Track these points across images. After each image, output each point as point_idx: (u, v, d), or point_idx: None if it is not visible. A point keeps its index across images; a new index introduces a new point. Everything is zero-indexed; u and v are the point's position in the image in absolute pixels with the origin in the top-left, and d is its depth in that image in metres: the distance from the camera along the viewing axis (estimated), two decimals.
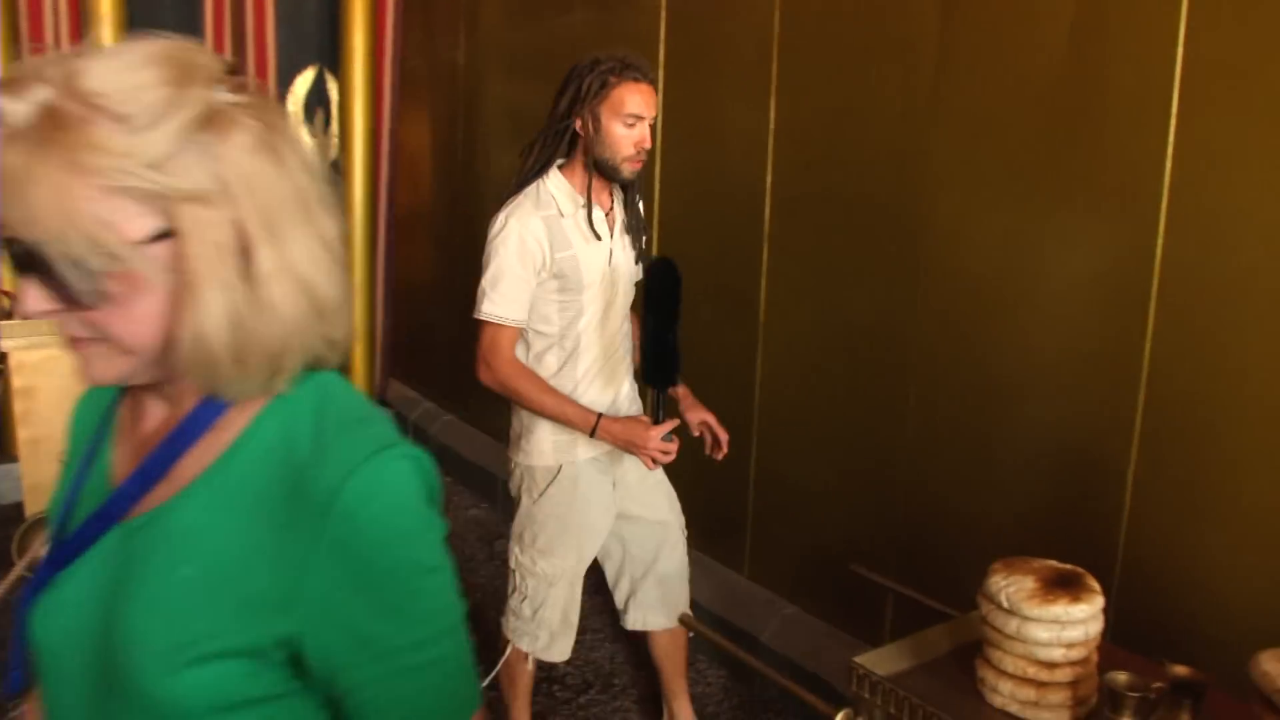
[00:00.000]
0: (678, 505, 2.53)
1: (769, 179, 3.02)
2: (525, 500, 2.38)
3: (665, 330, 2.18)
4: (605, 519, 2.40)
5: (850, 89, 2.75)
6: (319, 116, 5.30)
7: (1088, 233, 2.21)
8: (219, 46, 4.93)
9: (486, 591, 3.63)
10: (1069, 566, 1.69)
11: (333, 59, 5.17)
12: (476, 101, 4.81)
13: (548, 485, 2.32)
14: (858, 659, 1.73)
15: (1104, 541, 2.17)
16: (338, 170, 5.19)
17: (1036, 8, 2.26)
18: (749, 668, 2.12)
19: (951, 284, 2.50)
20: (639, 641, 3.26)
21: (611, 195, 2.31)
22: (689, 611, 2.55)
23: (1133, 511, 2.13)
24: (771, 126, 2.99)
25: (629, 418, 2.28)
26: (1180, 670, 1.55)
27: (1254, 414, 1.93)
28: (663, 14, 3.42)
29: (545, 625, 2.39)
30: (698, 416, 2.38)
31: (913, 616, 2.13)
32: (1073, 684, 1.60)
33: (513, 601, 2.42)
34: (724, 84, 3.21)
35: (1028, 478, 2.35)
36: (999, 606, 1.63)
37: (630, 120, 2.13)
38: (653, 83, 2.18)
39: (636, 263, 2.34)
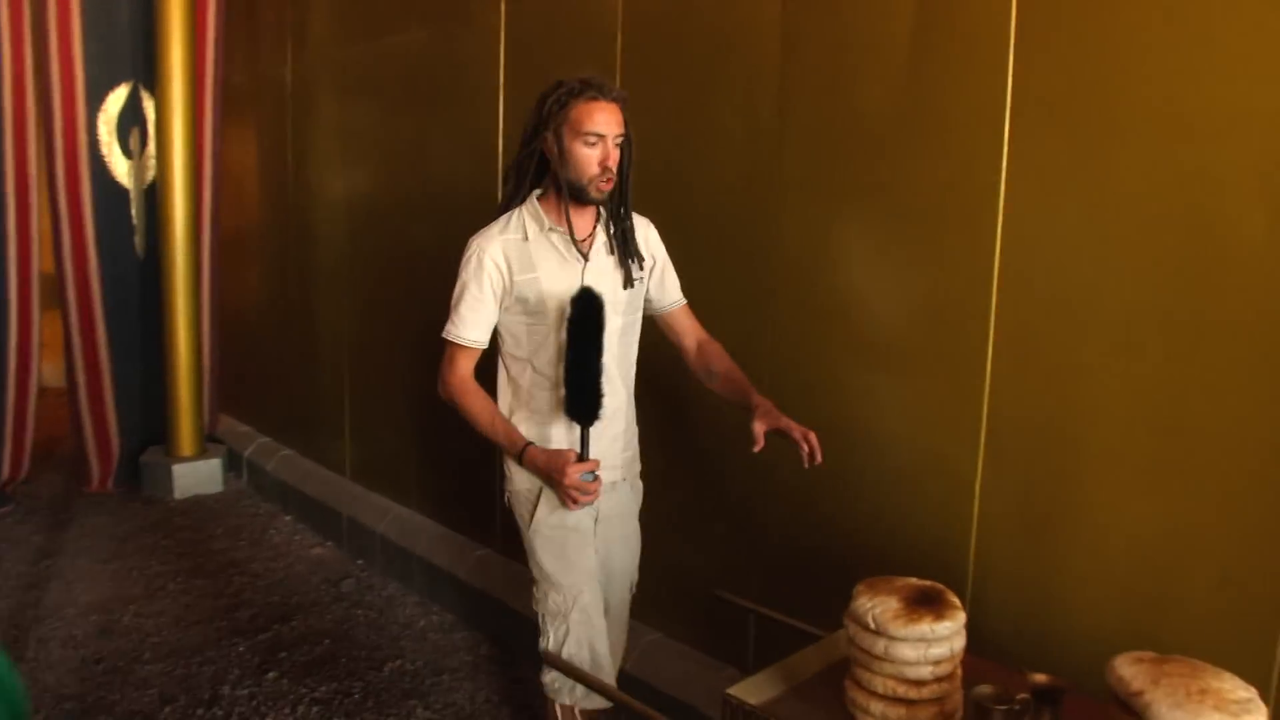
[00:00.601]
0: (637, 563, 2.43)
1: None
2: (523, 532, 2.29)
3: (585, 362, 2.08)
4: (591, 541, 2.29)
5: (695, 114, 2.76)
6: (135, 136, 4.97)
7: (930, 254, 2.28)
8: (18, 62, 4.55)
9: (335, 636, 3.46)
10: (929, 583, 1.72)
11: (148, 75, 4.86)
12: (306, 121, 4.62)
13: (534, 510, 2.24)
14: (730, 691, 1.71)
15: (956, 553, 2.24)
16: (155, 193, 4.88)
17: (875, 38, 2.33)
18: (613, 697, 2.07)
19: (801, 305, 2.54)
20: (501, 680, 3.17)
21: (596, 220, 2.23)
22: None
23: (981, 522, 2.21)
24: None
25: (556, 450, 2.17)
26: (1039, 678, 1.60)
27: (1092, 424, 2.02)
28: (501, 36, 3.37)
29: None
30: (764, 425, 2.14)
31: (777, 638, 2.14)
32: (940, 700, 1.62)
33: (541, 649, 2.27)
34: None
35: (881, 494, 2.40)
36: (865, 628, 1.64)
37: (591, 139, 2.07)
38: (617, 100, 2.11)
39: (627, 287, 2.23)
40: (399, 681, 3.14)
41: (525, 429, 2.23)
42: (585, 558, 2.26)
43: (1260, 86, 1.76)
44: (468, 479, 3.77)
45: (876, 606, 1.64)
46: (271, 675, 3.16)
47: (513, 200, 2.22)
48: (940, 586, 1.72)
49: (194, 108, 4.83)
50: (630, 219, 2.25)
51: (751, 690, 1.74)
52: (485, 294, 2.17)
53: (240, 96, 5.13)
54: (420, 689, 3.10)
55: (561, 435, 2.22)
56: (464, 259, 2.19)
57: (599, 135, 2.08)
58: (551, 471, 2.13)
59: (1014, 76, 2.07)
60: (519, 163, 2.20)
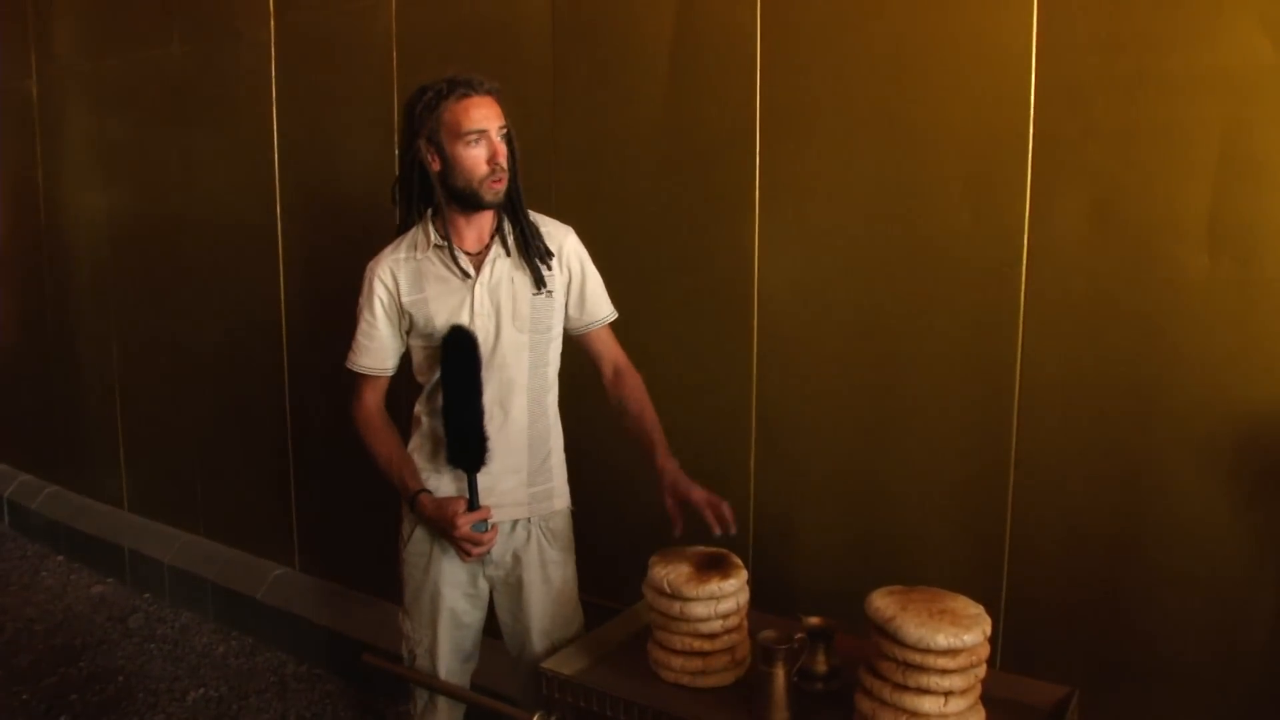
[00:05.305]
0: (568, 623, 2.15)
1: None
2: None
3: (462, 406, 1.97)
4: (459, 594, 2.14)
5: None
6: None
7: (697, 254, 2.49)
8: None
9: (129, 673, 3.33)
10: (715, 550, 1.92)
11: None
12: (57, 136, 4.37)
13: (408, 539, 2.15)
14: (544, 664, 1.85)
15: (742, 523, 2.46)
16: None
17: (639, 59, 2.52)
18: (444, 693, 2.16)
19: None
20: (311, 695, 3.16)
21: (493, 232, 2.05)
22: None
23: (757, 497, 2.46)
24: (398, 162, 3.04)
25: (446, 498, 2.03)
26: (814, 620, 1.83)
27: (835, 399, 2.31)
28: (272, 51, 3.35)
29: (419, 692, 2.20)
30: (674, 500, 2.00)
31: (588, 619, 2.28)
32: (731, 649, 1.83)
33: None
34: (345, 119, 3.21)
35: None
36: (662, 593, 1.82)
37: (473, 137, 1.93)
38: (491, 93, 1.97)
39: (538, 292, 2.04)
40: (204, 709, 3.08)
41: (427, 463, 2.10)
42: (434, 612, 2.14)
43: (965, 106, 2.08)
44: (260, 498, 3.71)
45: (671, 572, 1.83)
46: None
47: (407, 220, 2.09)
48: (725, 552, 1.92)
49: None
50: (527, 216, 2.07)
51: (564, 663, 1.88)
52: (378, 318, 2.06)
53: None
54: (228, 714, 3.05)
55: (450, 481, 2.09)
56: (361, 284, 2.09)
57: (480, 131, 1.95)
58: (442, 521, 2.01)
59: (761, 93, 2.33)
60: (401, 179, 2.08)
